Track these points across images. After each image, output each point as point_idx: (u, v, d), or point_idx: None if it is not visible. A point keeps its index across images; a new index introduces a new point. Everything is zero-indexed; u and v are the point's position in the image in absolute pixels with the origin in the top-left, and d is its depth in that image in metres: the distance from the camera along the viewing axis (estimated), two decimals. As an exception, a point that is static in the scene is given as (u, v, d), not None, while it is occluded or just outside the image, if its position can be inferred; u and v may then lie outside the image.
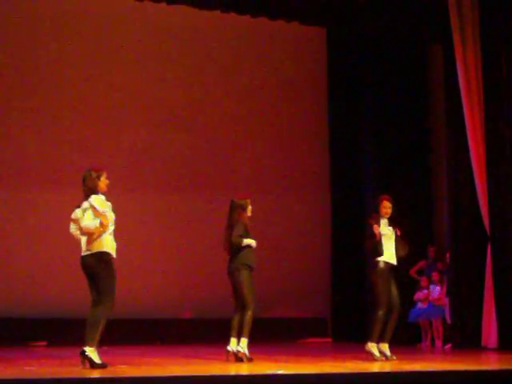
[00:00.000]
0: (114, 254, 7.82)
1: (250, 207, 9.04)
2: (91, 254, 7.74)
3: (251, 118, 14.27)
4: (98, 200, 7.80)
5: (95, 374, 7.20)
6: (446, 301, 11.93)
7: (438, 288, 12.18)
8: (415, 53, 13.36)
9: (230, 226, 8.99)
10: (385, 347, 9.07)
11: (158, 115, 13.75)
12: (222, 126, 14.12)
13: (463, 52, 11.29)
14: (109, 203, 7.87)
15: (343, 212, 13.93)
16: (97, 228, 7.71)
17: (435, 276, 12.27)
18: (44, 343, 12.36)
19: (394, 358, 8.99)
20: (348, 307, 13.75)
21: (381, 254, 9.10)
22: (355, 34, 13.18)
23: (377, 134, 13.60)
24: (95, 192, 7.87)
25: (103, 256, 7.74)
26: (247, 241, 8.89)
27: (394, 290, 9.16)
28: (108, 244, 7.79)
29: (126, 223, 12.47)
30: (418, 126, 13.40)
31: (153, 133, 13.69)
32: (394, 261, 9.21)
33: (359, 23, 11.42)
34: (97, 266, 7.70)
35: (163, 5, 11.07)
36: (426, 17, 11.47)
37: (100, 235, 7.74)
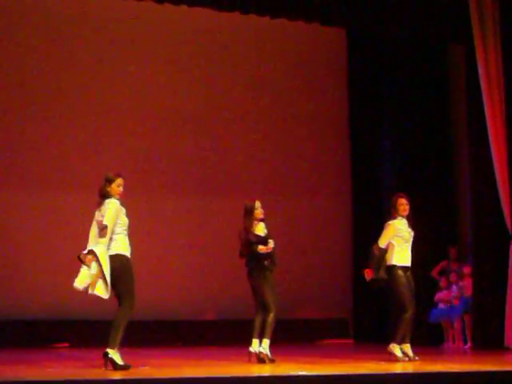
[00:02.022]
0: (129, 255, 7.83)
1: (257, 210, 8.99)
2: (117, 255, 7.73)
3: (270, 119, 14.25)
4: (111, 204, 7.80)
5: (118, 375, 7.23)
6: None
7: (454, 288, 12.16)
8: (436, 52, 13.29)
9: (244, 229, 8.99)
10: (407, 348, 9.05)
11: (173, 118, 13.70)
12: (240, 128, 14.09)
13: (484, 51, 11.25)
14: (123, 209, 7.89)
15: (364, 212, 13.90)
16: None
17: (453, 277, 12.24)
18: (66, 345, 12.39)
19: (417, 358, 8.97)
20: (369, 308, 13.71)
21: None
22: (375, 35, 13.14)
23: (397, 133, 13.55)
24: (107, 196, 7.89)
25: (120, 258, 7.76)
26: (260, 248, 8.86)
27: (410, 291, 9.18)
28: (124, 246, 7.81)
29: (148, 226, 12.68)
30: (440, 126, 13.33)
31: (169, 136, 13.66)
32: (408, 263, 9.20)
33: (379, 23, 11.38)
34: (115, 269, 7.71)
35: (182, 7, 11.07)
36: (447, 17, 11.42)
37: (115, 238, 7.77)
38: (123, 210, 7.88)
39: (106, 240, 7.67)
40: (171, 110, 13.72)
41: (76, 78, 13.30)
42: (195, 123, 13.85)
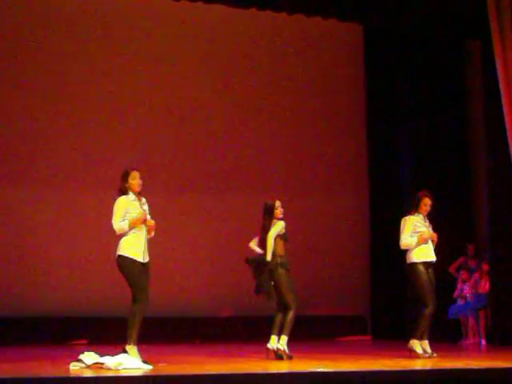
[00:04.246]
0: (136, 255, 7.86)
1: (277, 210, 9.00)
2: (119, 256, 7.86)
3: (286, 116, 14.23)
4: (115, 204, 7.86)
5: (136, 371, 7.24)
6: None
7: (464, 286, 12.15)
8: (453, 49, 13.24)
9: (263, 229, 9.01)
10: (425, 344, 9.05)
11: (189, 115, 13.72)
12: (256, 125, 14.07)
13: (502, 47, 11.17)
14: (138, 203, 7.91)
15: (382, 209, 13.86)
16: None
17: (463, 274, 12.24)
18: (85, 342, 12.41)
19: (435, 355, 8.96)
20: (387, 305, 13.69)
21: None
22: (392, 31, 13.10)
23: (415, 131, 13.51)
24: (123, 192, 7.91)
25: (128, 260, 7.83)
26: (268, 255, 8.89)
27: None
28: (134, 246, 7.85)
29: (165, 222, 12.57)
30: (457, 123, 13.29)
31: (185, 133, 13.68)
32: (432, 258, 9.16)
33: (396, 19, 11.34)
34: (124, 267, 7.81)
35: (197, 3, 11.08)
36: (465, 12, 11.37)
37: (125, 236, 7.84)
38: (135, 205, 7.90)
39: (122, 233, 7.80)
40: (188, 108, 13.73)
41: (96, 79, 13.33)
42: (211, 120, 13.86)
